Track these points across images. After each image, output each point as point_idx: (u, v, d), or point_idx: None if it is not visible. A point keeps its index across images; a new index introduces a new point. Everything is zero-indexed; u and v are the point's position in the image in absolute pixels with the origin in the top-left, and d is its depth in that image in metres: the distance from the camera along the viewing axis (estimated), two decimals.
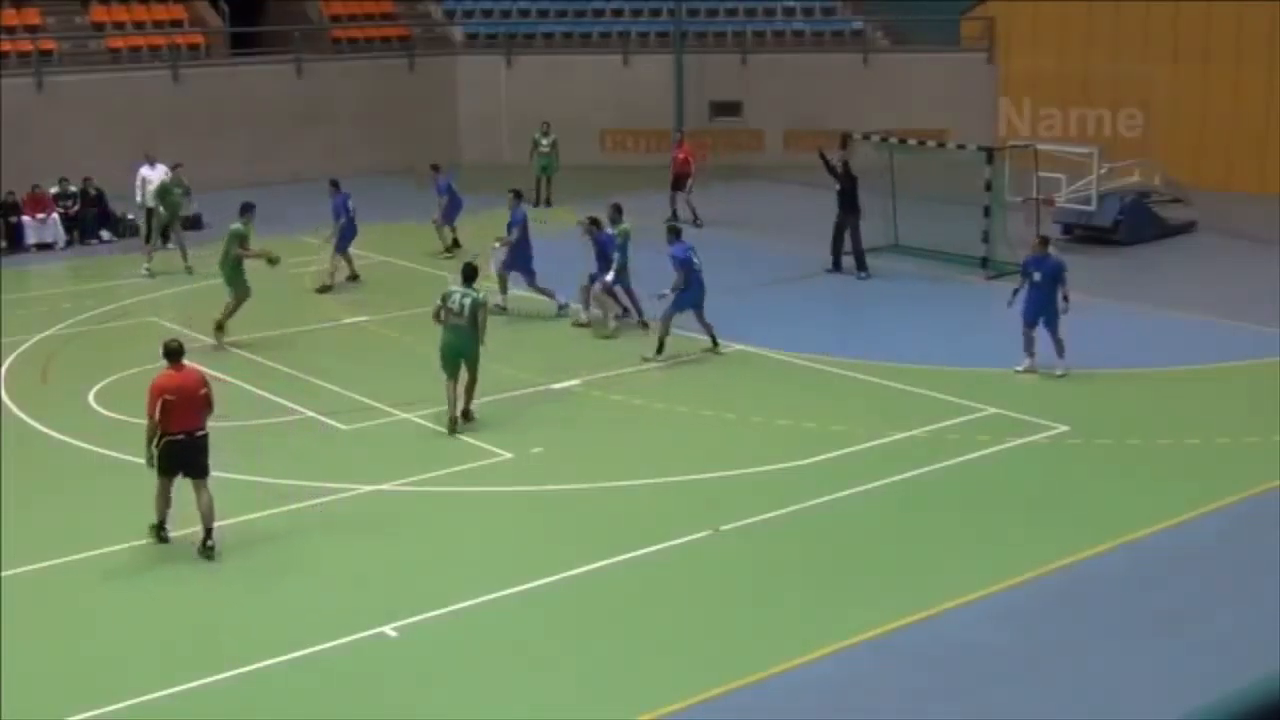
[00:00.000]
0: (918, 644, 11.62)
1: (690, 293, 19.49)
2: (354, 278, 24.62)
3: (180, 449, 13.19)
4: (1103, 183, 26.98)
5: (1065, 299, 18.59)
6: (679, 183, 29.39)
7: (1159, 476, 15.52)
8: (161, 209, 25.89)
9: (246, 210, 21.66)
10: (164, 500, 13.39)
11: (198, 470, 13.31)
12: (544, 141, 31.50)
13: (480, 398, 18.03)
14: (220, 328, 20.71)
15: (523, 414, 17.48)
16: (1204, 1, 32.49)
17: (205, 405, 13.44)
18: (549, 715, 10.73)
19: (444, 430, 16.69)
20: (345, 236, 24.24)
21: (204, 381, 13.59)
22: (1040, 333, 18.68)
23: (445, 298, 16.71)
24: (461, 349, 16.58)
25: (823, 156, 24.68)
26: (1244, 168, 32.11)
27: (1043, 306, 18.62)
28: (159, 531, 13.49)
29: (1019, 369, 18.80)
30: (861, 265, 24.53)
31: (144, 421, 13.50)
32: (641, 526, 13.94)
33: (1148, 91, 33.53)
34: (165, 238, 26.71)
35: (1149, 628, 12.02)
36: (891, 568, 13.18)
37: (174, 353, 13.58)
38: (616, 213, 21.57)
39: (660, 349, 19.48)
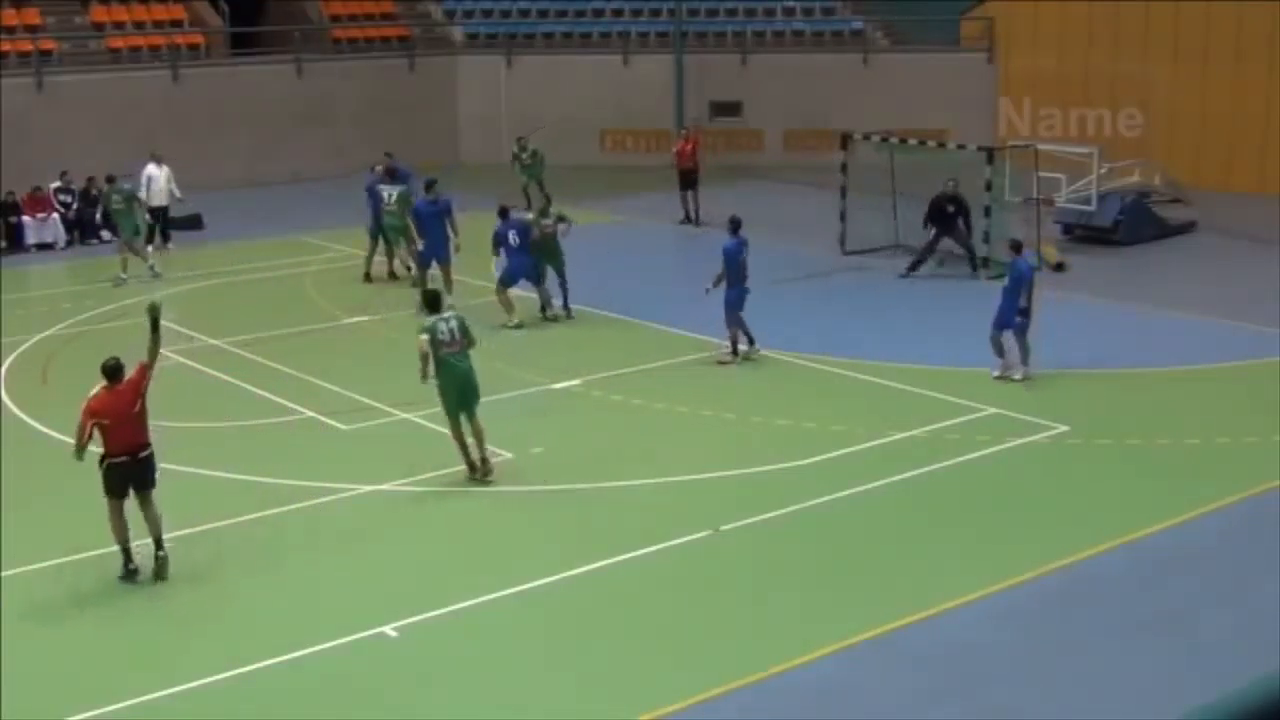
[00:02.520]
0: (918, 644, 11.61)
1: (736, 289, 19.27)
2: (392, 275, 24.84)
3: (125, 470, 12.73)
4: (1103, 183, 26.99)
5: (1022, 312, 18.11)
6: (687, 180, 29.18)
7: (1159, 476, 15.51)
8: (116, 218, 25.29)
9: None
10: (120, 525, 12.76)
11: (142, 484, 12.87)
12: (524, 155, 30.87)
13: (480, 398, 18.03)
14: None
15: (523, 414, 17.48)
16: (1204, 1, 32.50)
17: (142, 421, 12.82)
18: (549, 715, 10.72)
19: (442, 430, 16.68)
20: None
21: (138, 394, 12.78)
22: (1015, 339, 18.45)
23: (432, 331, 15.08)
24: (470, 377, 15.10)
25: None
26: (1244, 168, 32.10)
27: (1009, 311, 18.30)
28: (126, 565, 12.81)
29: (994, 374, 18.44)
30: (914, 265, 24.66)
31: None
32: (641, 526, 13.94)
33: (1148, 91, 33.54)
34: (150, 238, 26.98)
35: (1149, 628, 12.01)
36: (891, 568, 13.18)
37: (110, 371, 12.89)
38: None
39: (734, 350, 19.37)
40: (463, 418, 15.14)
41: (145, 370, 12.89)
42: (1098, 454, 16.04)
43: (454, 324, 15.24)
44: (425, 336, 15.11)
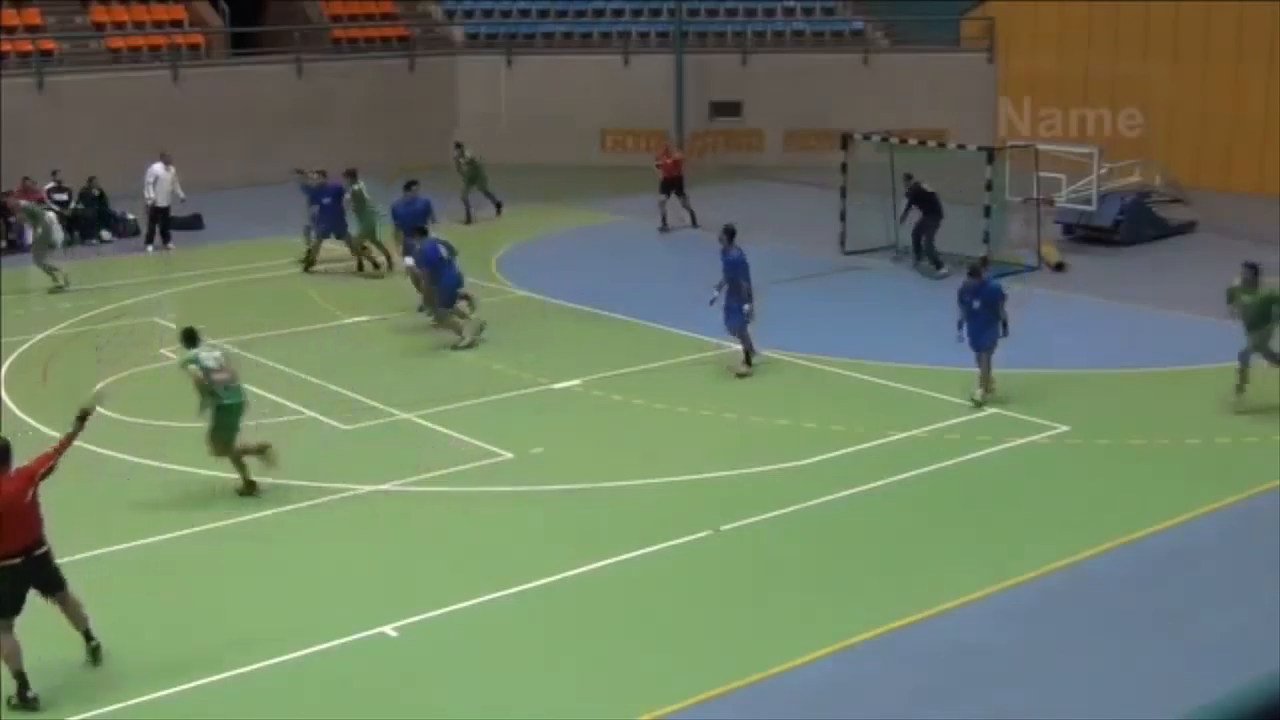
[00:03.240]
0: (918, 644, 11.61)
1: (741, 299, 18.82)
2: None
3: (20, 573, 10.77)
4: (1103, 183, 26.99)
5: (1004, 326, 17.45)
6: (669, 186, 28.92)
7: (1159, 476, 15.51)
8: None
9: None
10: (11, 649, 10.73)
11: (50, 586, 11.05)
12: (462, 161, 30.17)
13: (480, 398, 18.07)
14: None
15: (523, 414, 17.48)
16: (1204, 1, 32.50)
17: (34, 513, 10.81)
18: (548, 715, 10.72)
19: (442, 430, 16.70)
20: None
21: (31, 480, 10.80)
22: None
23: (196, 360, 14.57)
24: (243, 403, 14.86)
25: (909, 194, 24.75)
26: (1244, 168, 32.10)
27: (984, 332, 17.48)
28: (23, 695, 10.71)
29: (975, 398, 17.47)
30: (936, 263, 24.69)
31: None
32: (641, 526, 13.93)
33: (1148, 91, 33.53)
34: (150, 238, 27.46)
35: (1149, 628, 12.02)
36: (891, 568, 13.17)
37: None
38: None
39: (748, 359, 18.93)
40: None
41: (47, 460, 11.04)
42: (1098, 454, 16.03)
43: (218, 353, 14.96)
44: (194, 367, 14.55)
